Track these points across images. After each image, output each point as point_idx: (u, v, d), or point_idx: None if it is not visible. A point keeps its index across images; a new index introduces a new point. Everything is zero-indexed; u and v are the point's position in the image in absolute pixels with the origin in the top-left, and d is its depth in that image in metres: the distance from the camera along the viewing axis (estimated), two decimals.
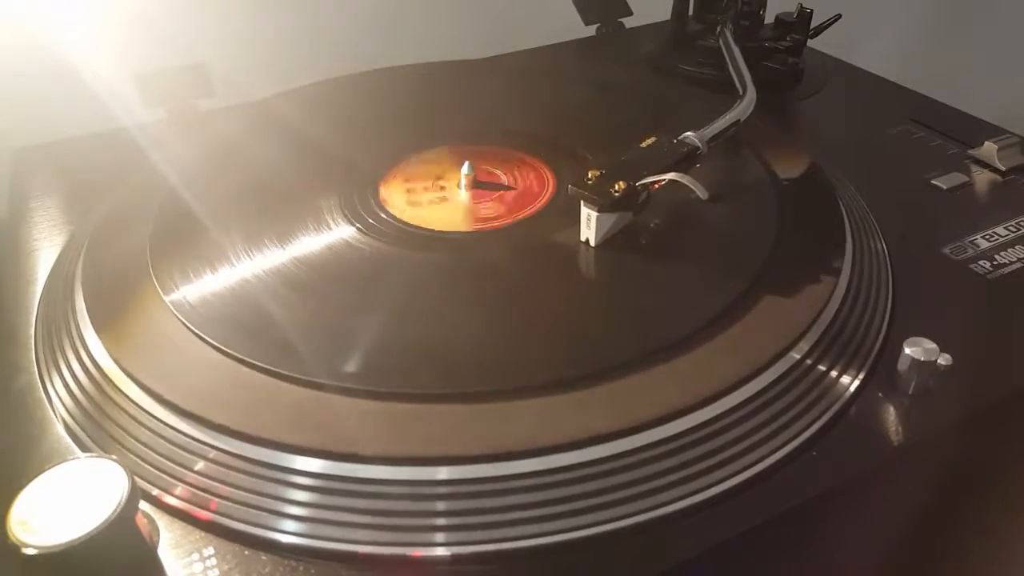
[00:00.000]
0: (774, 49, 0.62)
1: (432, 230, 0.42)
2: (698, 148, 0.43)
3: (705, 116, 0.45)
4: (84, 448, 0.32)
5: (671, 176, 0.40)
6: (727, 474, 0.30)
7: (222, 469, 0.30)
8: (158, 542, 0.29)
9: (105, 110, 0.55)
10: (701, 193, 0.40)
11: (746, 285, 0.37)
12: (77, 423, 0.33)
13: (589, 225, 0.40)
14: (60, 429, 0.34)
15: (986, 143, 0.51)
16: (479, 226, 0.43)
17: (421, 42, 0.77)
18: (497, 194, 0.45)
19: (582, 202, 0.40)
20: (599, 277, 0.40)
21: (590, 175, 0.40)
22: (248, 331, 0.35)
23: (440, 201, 0.45)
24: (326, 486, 0.29)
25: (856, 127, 0.57)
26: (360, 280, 0.39)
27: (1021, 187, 0.49)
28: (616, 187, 0.39)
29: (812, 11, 0.62)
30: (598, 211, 0.39)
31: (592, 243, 0.40)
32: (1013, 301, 0.40)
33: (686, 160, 0.42)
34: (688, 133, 0.43)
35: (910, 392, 0.34)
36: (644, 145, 0.43)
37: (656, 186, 0.41)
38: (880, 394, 0.34)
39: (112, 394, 0.33)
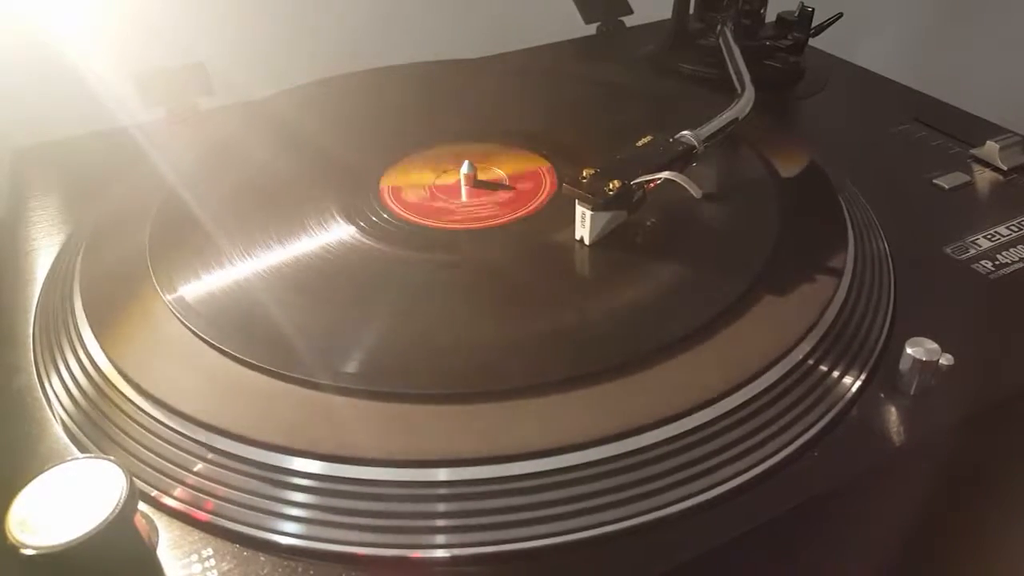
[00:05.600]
0: (775, 48, 0.62)
1: (431, 229, 0.42)
2: (694, 147, 0.43)
3: (705, 115, 0.45)
4: (83, 449, 0.32)
5: (665, 175, 0.40)
6: (729, 475, 0.30)
7: (221, 470, 0.30)
8: (157, 543, 0.29)
9: (104, 110, 0.55)
10: (695, 192, 0.40)
11: (747, 285, 0.37)
12: (76, 424, 0.33)
13: (583, 223, 0.40)
14: (59, 430, 0.34)
15: (988, 142, 0.51)
16: (477, 225, 0.43)
17: (420, 42, 0.77)
18: (496, 193, 0.45)
19: (577, 200, 0.39)
20: (594, 276, 0.40)
21: (585, 174, 0.40)
22: (247, 331, 0.35)
23: (439, 200, 0.45)
24: (325, 487, 0.29)
25: (857, 126, 0.57)
26: (359, 280, 0.39)
27: (1023, 187, 0.49)
28: (611, 186, 0.39)
29: (813, 10, 0.62)
30: (592, 209, 0.39)
31: (586, 241, 0.40)
32: (1015, 301, 0.40)
33: (682, 159, 0.42)
34: (684, 132, 0.43)
35: (912, 392, 0.34)
36: (640, 144, 0.43)
37: (652, 185, 0.41)
38: (882, 394, 0.34)
39: (111, 395, 0.33)
